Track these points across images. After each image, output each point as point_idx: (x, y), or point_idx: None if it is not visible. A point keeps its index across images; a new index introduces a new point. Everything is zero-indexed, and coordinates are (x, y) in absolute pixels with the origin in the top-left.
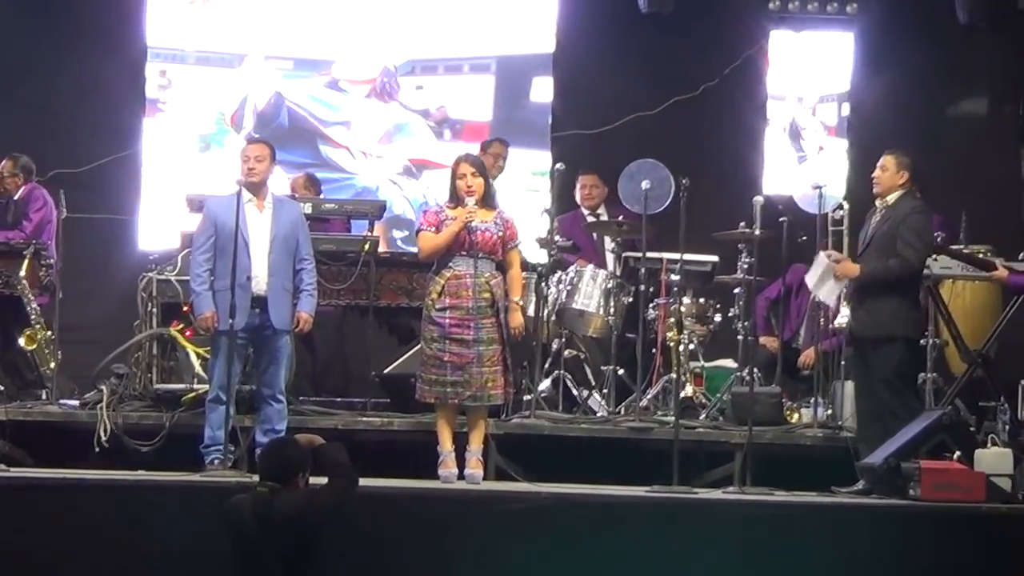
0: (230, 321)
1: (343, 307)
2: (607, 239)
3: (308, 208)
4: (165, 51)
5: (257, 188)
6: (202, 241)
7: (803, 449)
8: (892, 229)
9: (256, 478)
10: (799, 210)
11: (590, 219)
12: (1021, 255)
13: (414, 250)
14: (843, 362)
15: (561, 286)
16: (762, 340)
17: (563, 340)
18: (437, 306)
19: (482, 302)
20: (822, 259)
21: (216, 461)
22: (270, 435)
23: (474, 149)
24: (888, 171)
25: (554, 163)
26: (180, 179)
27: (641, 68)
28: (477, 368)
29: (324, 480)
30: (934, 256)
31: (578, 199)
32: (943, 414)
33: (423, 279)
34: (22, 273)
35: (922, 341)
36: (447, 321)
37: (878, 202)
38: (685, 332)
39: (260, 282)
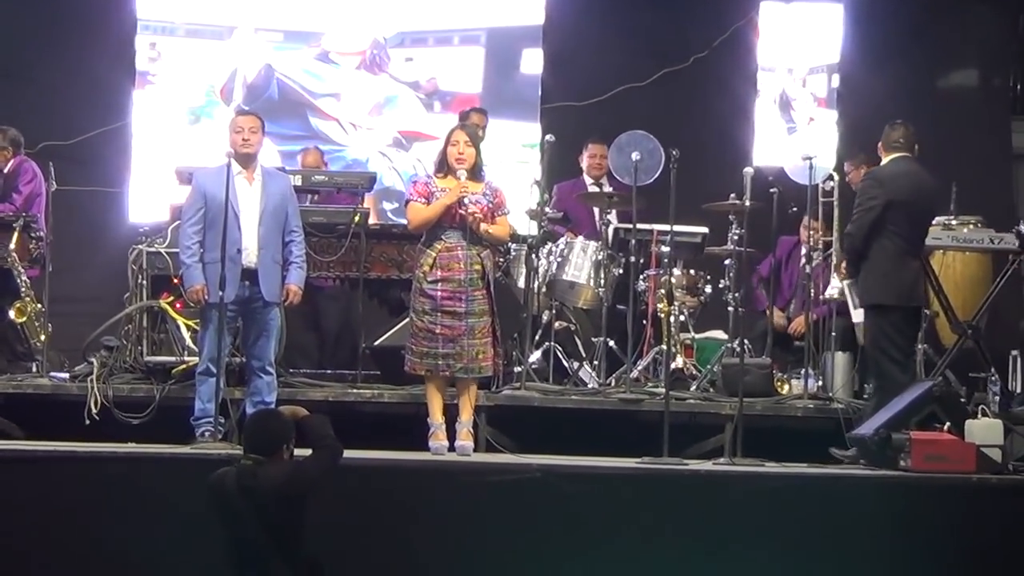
0: (220, 293)
1: (334, 279)
2: (597, 210)
3: (298, 180)
4: (155, 23)
5: (248, 160)
6: (191, 213)
7: (793, 420)
8: None
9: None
10: (789, 181)
11: (592, 189)
12: (1021, 226)
13: (404, 222)
14: (833, 333)
15: (551, 258)
16: (775, 317)
17: (553, 312)
18: (429, 278)
19: (473, 274)
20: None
21: (207, 433)
22: (259, 407)
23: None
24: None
25: (544, 135)
26: (170, 151)
27: (631, 40)
28: (468, 340)
29: (308, 452)
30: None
31: (584, 167)
32: (933, 385)
33: (413, 251)
34: (12, 246)
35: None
36: (439, 293)
37: None
38: (675, 303)
39: (250, 255)
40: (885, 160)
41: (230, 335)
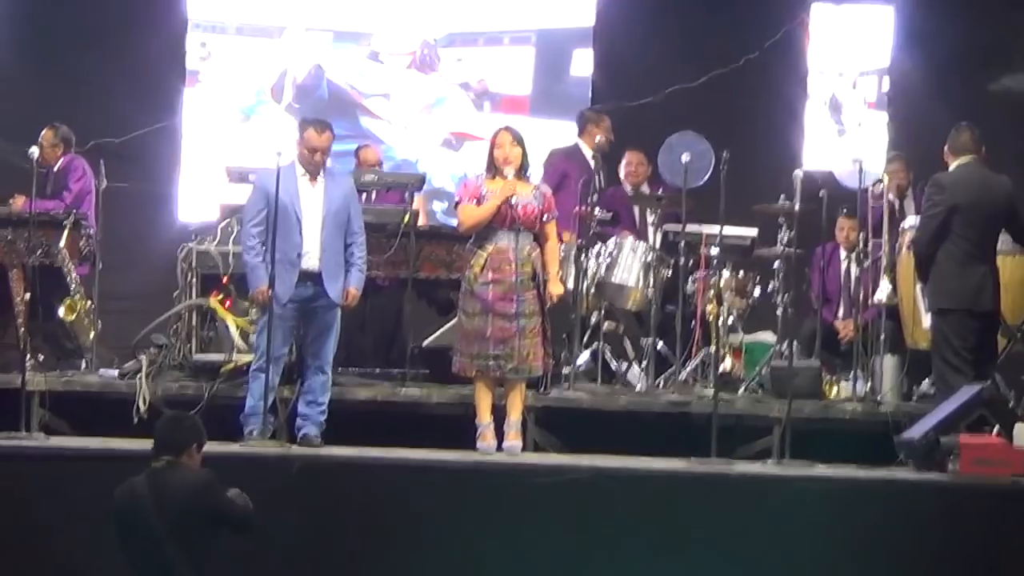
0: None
1: (383, 279)
2: (648, 212)
3: None
4: (205, 23)
5: (317, 173)
6: (253, 214)
7: (842, 423)
8: None
9: (294, 448)
10: (839, 184)
11: (631, 193)
12: None
13: (453, 222)
14: (882, 336)
15: (601, 259)
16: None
17: (602, 313)
18: (480, 280)
19: (524, 276)
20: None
21: (255, 431)
22: (312, 407)
23: (513, 121)
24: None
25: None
26: (219, 150)
27: (681, 41)
28: (520, 341)
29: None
30: None
31: (622, 175)
32: (982, 388)
33: (462, 251)
34: (62, 244)
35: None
36: (490, 295)
37: None
38: (724, 305)
39: (312, 258)
40: (952, 165)
41: (290, 335)
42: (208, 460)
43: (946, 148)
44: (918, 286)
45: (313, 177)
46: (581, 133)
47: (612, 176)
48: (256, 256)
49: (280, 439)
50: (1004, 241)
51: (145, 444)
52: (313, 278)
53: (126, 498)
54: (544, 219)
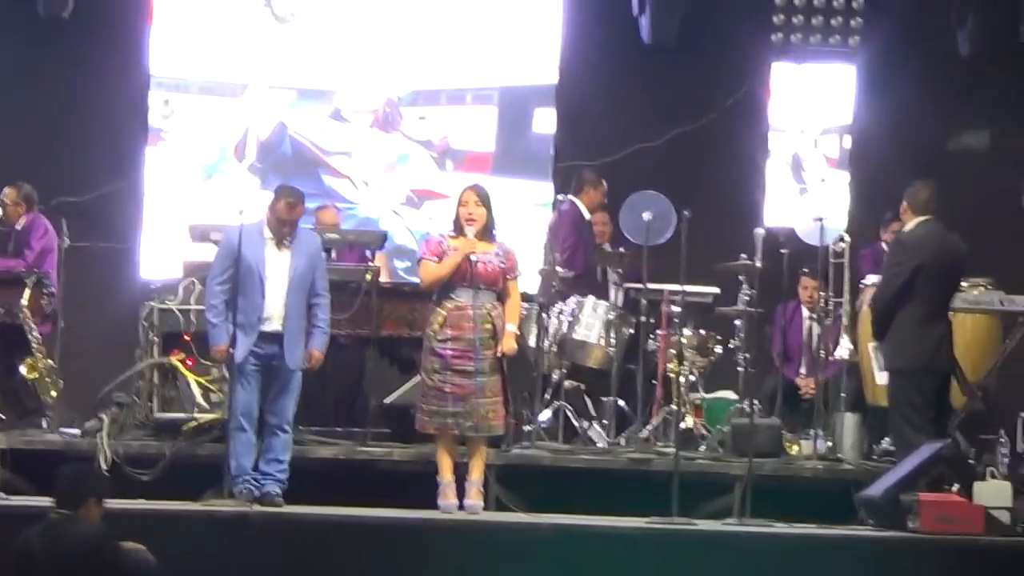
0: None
1: (345, 337)
2: (609, 270)
3: None
4: (168, 80)
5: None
6: (219, 272)
7: (803, 481)
8: None
9: (254, 507)
10: (800, 242)
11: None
12: None
13: (416, 280)
14: (843, 394)
15: (562, 316)
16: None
17: (564, 371)
18: (439, 337)
19: (484, 333)
20: (870, 349)
21: (244, 491)
22: (273, 465)
23: (477, 179)
24: (902, 209)
25: (556, 194)
26: (182, 208)
27: (643, 99)
28: (478, 399)
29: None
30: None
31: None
32: (943, 446)
33: (424, 309)
34: (24, 302)
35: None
36: (449, 352)
37: None
38: (686, 363)
39: (274, 322)
40: (912, 223)
41: (258, 390)
42: (167, 519)
43: (905, 205)
44: (871, 344)
45: (280, 241)
46: (578, 192)
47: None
48: (218, 315)
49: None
50: (963, 299)
51: (106, 503)
52: (275, 339)
53: (21, 549)
54: (507, 277)
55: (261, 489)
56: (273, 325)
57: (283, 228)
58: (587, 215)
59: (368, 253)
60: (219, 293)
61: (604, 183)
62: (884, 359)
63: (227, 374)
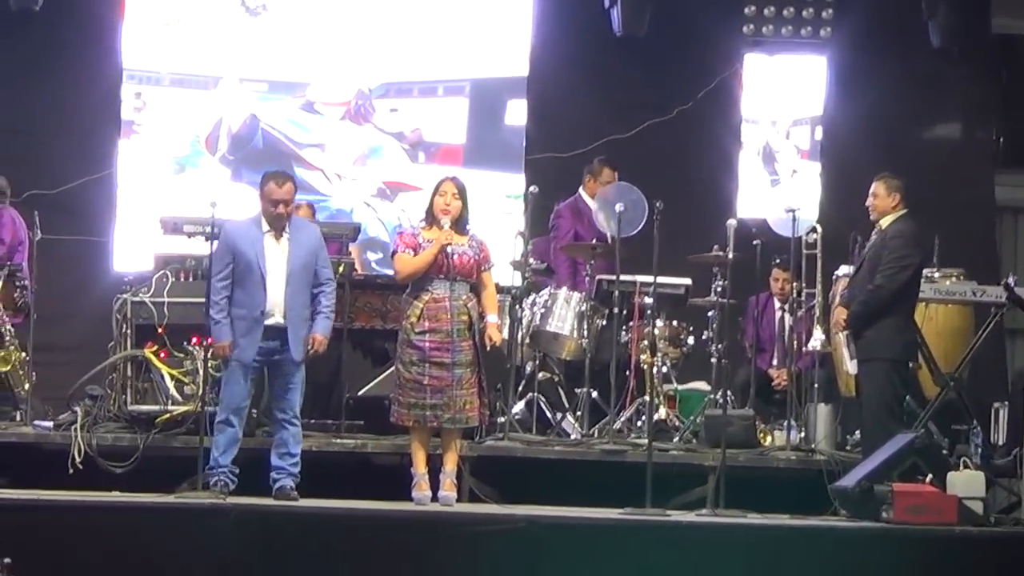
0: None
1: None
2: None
3: None
4: (140, 73)
5: (282, 227)
6: (219, 268)
7: (776, 472)
8: (878, 252)
9: (229, 500)
10: (772, 233)
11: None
12: (1009, 278)
13: (389, 272)
14: (816, 384)
15: (535, 309)
16: (774, 375)
17: (537, 362)
18: (416, 329)
19: (460, 325)
20: (839, 337)
21: (219, 484)
22: (285, 459)
23: (449, 171)
24: (879, 196)
25: (528, 186)
26: (155, 201)
27: (615, 91)
28: (456, 391)
29: None
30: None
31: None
32: (916, 437)
33: (397, 301)
34: None
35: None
36: (427, 344)
37: (875, 225)
38: (658, 355)
39: (276, 315)
40: (897, 216)
41: (253, 387)
42: (141, 511)
43: (898, 196)
44: (843, 334)
45: (278, 233)
46: (583, 183)
47: (546, 226)
48: (220, 312)
49: (213, 490)
50: (936, 290)
51: (80, 495)
52: (278, 333)
53: None
54: (482, 269)
55: (275, 484)
56: (275, 318)
57: (277, 210)
58: (593, 205)
59: (343, 246)
60: (221, 290)
61: (606, 170)
62: (871, 349)
63: (198, 367)
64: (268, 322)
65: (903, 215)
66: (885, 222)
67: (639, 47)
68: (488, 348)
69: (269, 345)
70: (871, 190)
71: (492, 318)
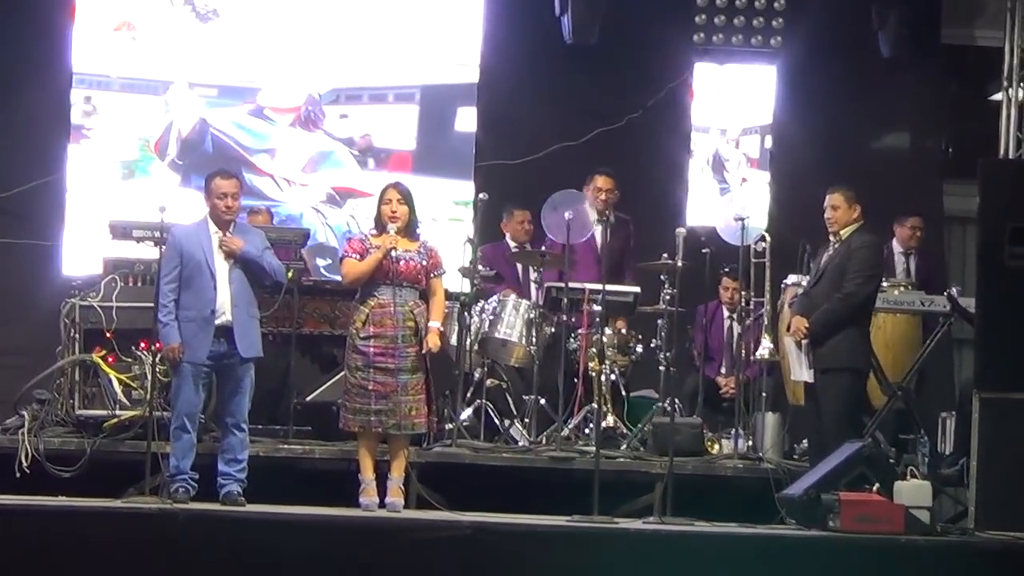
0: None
1: (267, 334)
2: (530, 269)
3: None
4: (90, 77)
5: (229, 223)
6: (167, 271)
7: (724, 480)
8: (842, 263)
9: (176, 505)
10: (722, 241)
11: (515, 250)
12: (952, 289)
13: (337, 278)
14: (764, 393)
15: (484, 315)
16: (722, 383)
17: (485, 369)
18: (361, 335)
19: (406, 331)
20: (790, 345)
21: (180, 490)
22: (232, 465)
23: (398, 178)
24: (840, 208)
25: (477, 193)
26: (104, 205)
27: (565, 99)
28: (401, 396)
29: None
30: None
31: (509, 233)
32: (863, 446)
33: (346, 307)
34: None
35: None
36: (372, 350)
37: (832, 237)
38: (607, 362)
39: (224, 313)
40: (858, 226)
41: (204, 392)
42: (89, 516)
43: (859, 208)
44: (795, 342)
45: (224, 232)
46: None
47: (494, 233)
48: (169, 314)
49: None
50: (885, 300)
51: (27, 500)
52: (225, 334)
53: None
54: (431, 275)
55: (222, 490)
56: (225, 317)
57: (224, 203)
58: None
59: (293, 251)
60: (168, 293)
61: (517, 215)
62: (835, 359)
63: (147, 372)
64: (217, 321)
65: (862, 226)
66: (845, 233)
67: (589, 55)
68: (425, 353)
69: (218, 348)
70: (829, 202)
71: (434, 324)
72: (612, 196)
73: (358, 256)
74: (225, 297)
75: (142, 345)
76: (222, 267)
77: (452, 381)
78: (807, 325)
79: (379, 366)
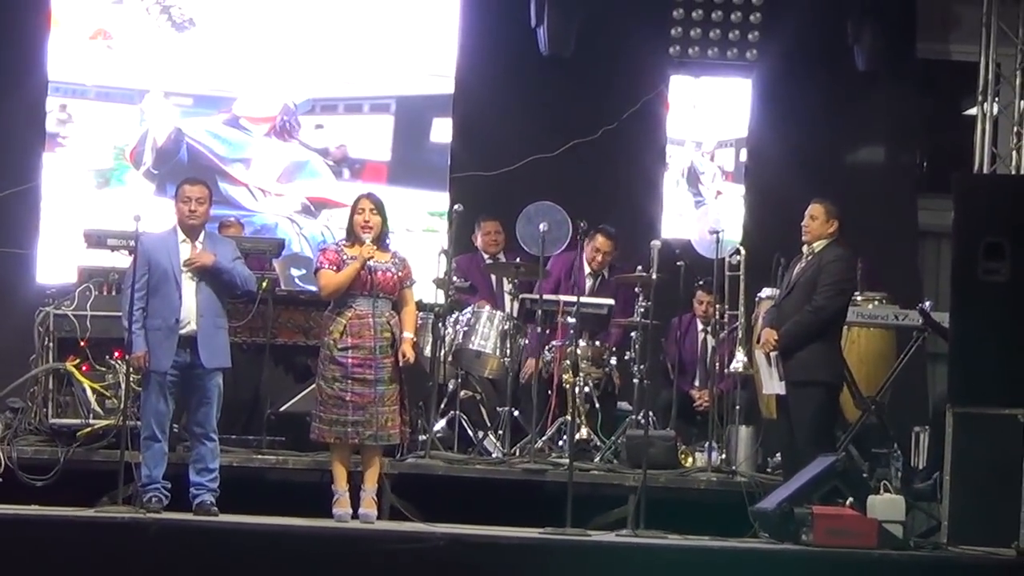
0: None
1: (241, 344)
2: (505, 281)
3: None
4: (66, 85)
5: (195, 230)
6: (136, 278)
7: (697, 493)
8: (814, 276)
9: (149, 515)
10: (696, 254)
11: (489, 261)
12: (924, 304)
13: (312, 288)
14: (737, 407)
15: (458, 327)
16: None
17: (459, 381)
18: (339, 346)
19: (383, 341)
20: (761, 358)
21: (154, 500)
22: (204, 474)
23: (373, 189)
24: (818, 220)
25: (452, 204)
26: (79, 214)
27: (541, 110)
28: (378, 407)
29: None
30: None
31: (480, 244)
32: (836, 460)
33: (320, 318)
34: None
35: None
36: (350, 361)
37: (805, 248)
38: (580, 374)
39: (191, 323)
40: (831, 240)
41: (172, 401)
42: (61, 525)
43: (836, 223)
44: (767, 354)
45: (193, 240)
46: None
47: (469, 245)
48: (136, 323)
49: (135, 505)
50: (859, 313)
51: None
52: (190, 344)
53: None
54: (403, 286)
55: (195, 500)
56: (190, 326)
57: (191, 207)
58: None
59: (268, 261)
60: (136, 301)
61: (484, 224)
62: (807, 372)
63: (120, 381)
64: (182, 331)
65: (835, 240)
66: (818, 246)
67: (565, 67)
68: (401, 364)
69: (183, 358)
70: (809, 212)
71: (408, 335)
72: (609, 257)
73: (334, 268)
74: (191, 306)
75: (116, 354)
76: (187, 275)
77: (426, 392)
78: (776, 337)
79: (357, 377)
